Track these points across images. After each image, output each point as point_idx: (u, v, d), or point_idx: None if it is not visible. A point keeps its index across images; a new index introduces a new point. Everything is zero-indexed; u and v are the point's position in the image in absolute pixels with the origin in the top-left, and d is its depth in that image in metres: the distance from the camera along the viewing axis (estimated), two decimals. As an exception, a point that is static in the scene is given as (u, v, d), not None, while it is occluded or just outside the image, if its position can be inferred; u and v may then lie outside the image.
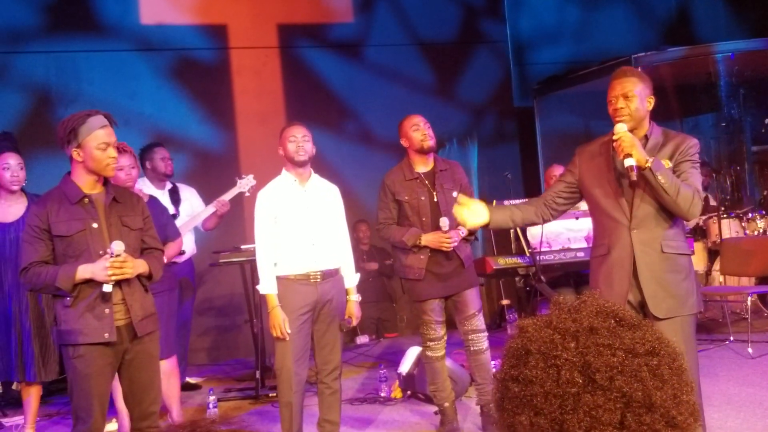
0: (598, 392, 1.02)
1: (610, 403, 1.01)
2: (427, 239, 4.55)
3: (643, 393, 1.02)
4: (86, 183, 3.51)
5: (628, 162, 3.26)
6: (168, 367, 4.93)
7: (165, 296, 4.92)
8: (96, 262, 3.39)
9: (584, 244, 6.26)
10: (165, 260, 4.79)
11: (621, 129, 3.32)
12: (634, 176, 3.26)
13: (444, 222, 4.52)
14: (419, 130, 4.64)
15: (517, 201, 5.79)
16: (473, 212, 3.54)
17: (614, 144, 3.33)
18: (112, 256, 3.37)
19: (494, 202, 5.53)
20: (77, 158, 3.46)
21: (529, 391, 1.05)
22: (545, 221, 3.78)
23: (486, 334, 4.70)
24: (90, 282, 3.39)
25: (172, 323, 5.04)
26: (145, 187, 5.68)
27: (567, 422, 1.02)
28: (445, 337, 4.70)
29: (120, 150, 4.73)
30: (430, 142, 4.65)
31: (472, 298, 4.65)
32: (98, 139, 3.45)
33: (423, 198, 4.64)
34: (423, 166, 4.70)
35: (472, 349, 4.65)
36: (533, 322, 1.12)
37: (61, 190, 3.52)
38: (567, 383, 1.03)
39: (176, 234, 5.03)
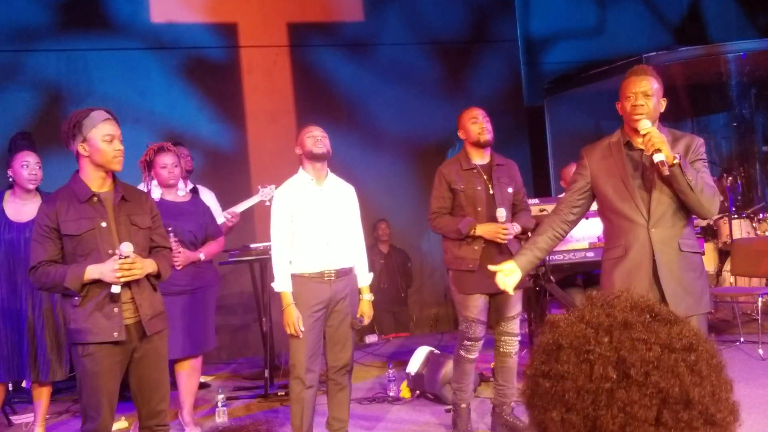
0: (633, 388, 0.99)
1: (646, 399, 0.98)
2: (483, 229, 4.47)
3: (680, 389, 0.98)
4: (94, 181, 3.50)
5: (658, 157, 3.21)
6: (194, 365, 4.93)
7: (202, 293, 4.92)
8: (105, 263, 3.38)
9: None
10: (203, 257, 4.82)
11: (647, 125, 3.29)
12: (666, 171, 3.21)
13: (501, 213, 4.47)
14: (477, 123, 4.61)
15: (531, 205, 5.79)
16: (510, 273, 3.53)
17: (643, 140, 3.29)
18: (120, 258, 3.37)
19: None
20: (83, 153, 3.45)
21: (560, 386, 1.03)
22: (563, 238, 3.72)
23: (519, 338, 4.66)
24: (99, 282, 3.39)
25: (209, 320, 5.02)
26: None
27: (600, 418, 0.99)
28: (482, 341, 4.62)
29: (164, 149, 4.81)
30: (488, 136, 4.60)
31: (516, 300, 4.61)
32: (103, 130, 3.44)
33: (479, 188, 4.57)
34: (480, 158, 4.66)
35: (501, 350, 4.63)
36: (565, 317, 1.10)
37: (70, 188, 3.50)
38: (600, 378, 1.01)
39: (218, 232, 5.02)
